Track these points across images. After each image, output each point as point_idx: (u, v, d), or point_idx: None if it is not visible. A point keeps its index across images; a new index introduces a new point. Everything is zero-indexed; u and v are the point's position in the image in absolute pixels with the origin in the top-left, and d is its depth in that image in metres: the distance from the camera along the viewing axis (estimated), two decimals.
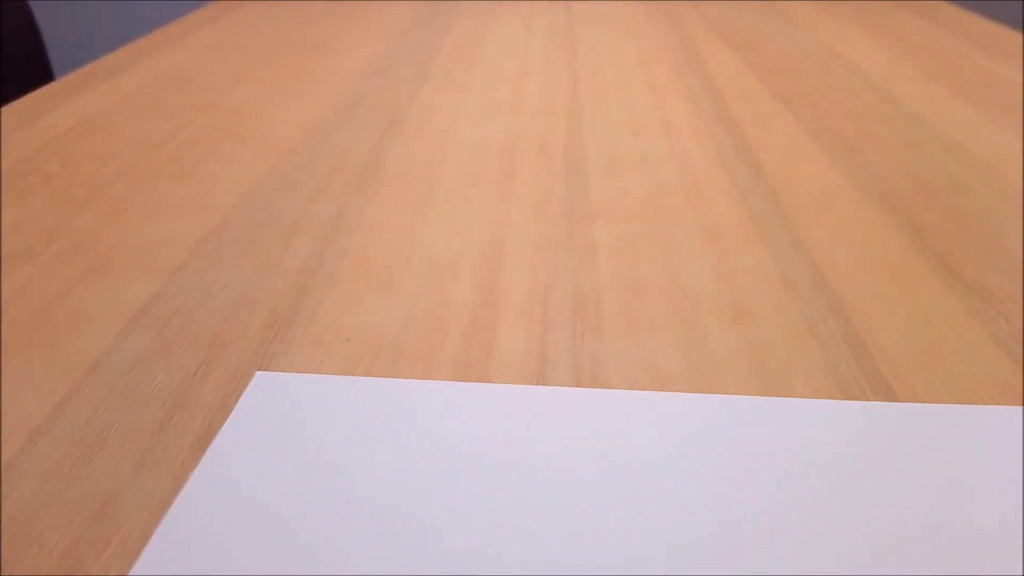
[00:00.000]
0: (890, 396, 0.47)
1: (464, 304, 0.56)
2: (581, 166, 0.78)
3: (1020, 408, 0.45)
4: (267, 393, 0.46)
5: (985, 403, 0.46)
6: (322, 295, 0.57)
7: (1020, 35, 1.21)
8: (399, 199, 0.71)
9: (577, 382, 0.48)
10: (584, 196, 0.71)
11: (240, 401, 0.46)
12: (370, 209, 0.70)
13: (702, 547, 0.37)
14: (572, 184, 0.74)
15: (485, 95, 0.99)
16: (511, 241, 0.64)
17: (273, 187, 0.74)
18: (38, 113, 0.96)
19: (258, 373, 0.48)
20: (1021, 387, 0.47)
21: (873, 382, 0.48)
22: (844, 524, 0.38)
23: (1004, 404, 0.46)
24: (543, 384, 0.48)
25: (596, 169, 0.77)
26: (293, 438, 0.43)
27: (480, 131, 0.87)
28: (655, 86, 1.02)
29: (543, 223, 0.67)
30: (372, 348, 0.51)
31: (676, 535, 0.38)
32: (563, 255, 0.62)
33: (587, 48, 1.21)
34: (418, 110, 0.94)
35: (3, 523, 0.39)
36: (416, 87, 1.03)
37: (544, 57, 1.17)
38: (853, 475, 0.41)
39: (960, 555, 0.37)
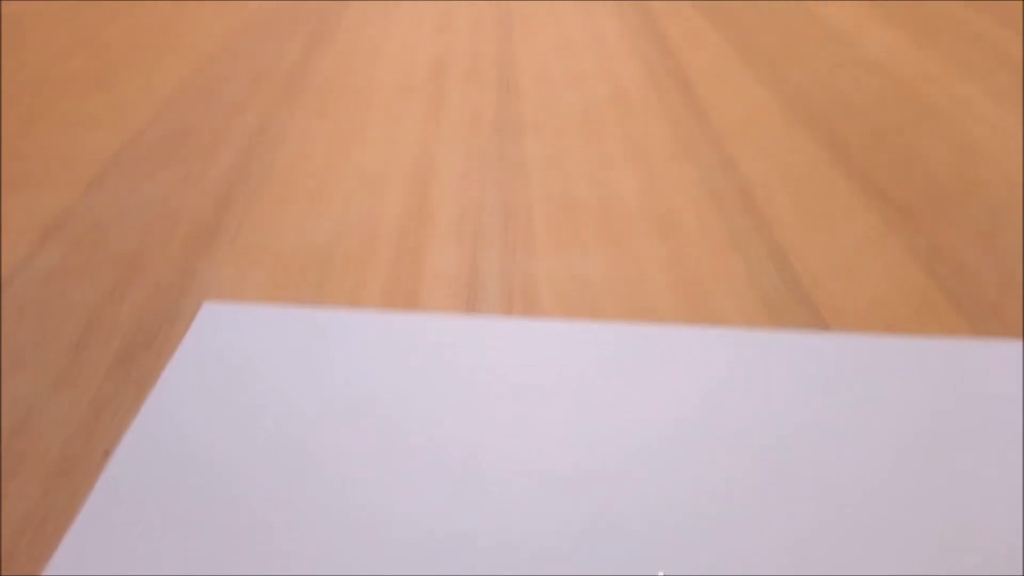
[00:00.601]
0: (811, 308, 0.48)
1: (393, 219, 0.55)
2: (512, 81, 0.77)
3: (944, 339, 0.47)
4: (214, 324, 0.45)
5: (903, 315, 0.47)
6: (247, 209, 0.55)
7: None
8: (326, 112, 0.69)
9: (508, 296, 0.48)
10: (515, 111, 0.70)
11: (188, 333, 0.44)
12: (295, 122, 0.67)
13: (632, 475, 0.38)
14: (503, 99, 0.73)
15: (418, 8, 0.96)
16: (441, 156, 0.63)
17: (193, 98, 0.71)
18: None
19: (205, 304, 0.46)
20: (938, 298, 0.49)
21: (795, 294, 0.49)
22: (769, 451, 0.39)
23: (921, 315, 0.47)
24: (475, 300, 0.48)
25: (527, 85, 0.76)
26: (241, 371, 0.42)
27: (412, 45, 0.85)
28: (587, 5, 1.00)
29: (474, 138, 0.66)
30: (299, 265, 0.50)
31: (608, 463, 0.39)
32: (494, 170, 0.61)
33: None
34: (349, 22, 0.91)
35: None
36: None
37: None
38: (780, 403, 0.42)
39: (878, 478, 0.38)
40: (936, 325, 0.46)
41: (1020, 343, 0.45)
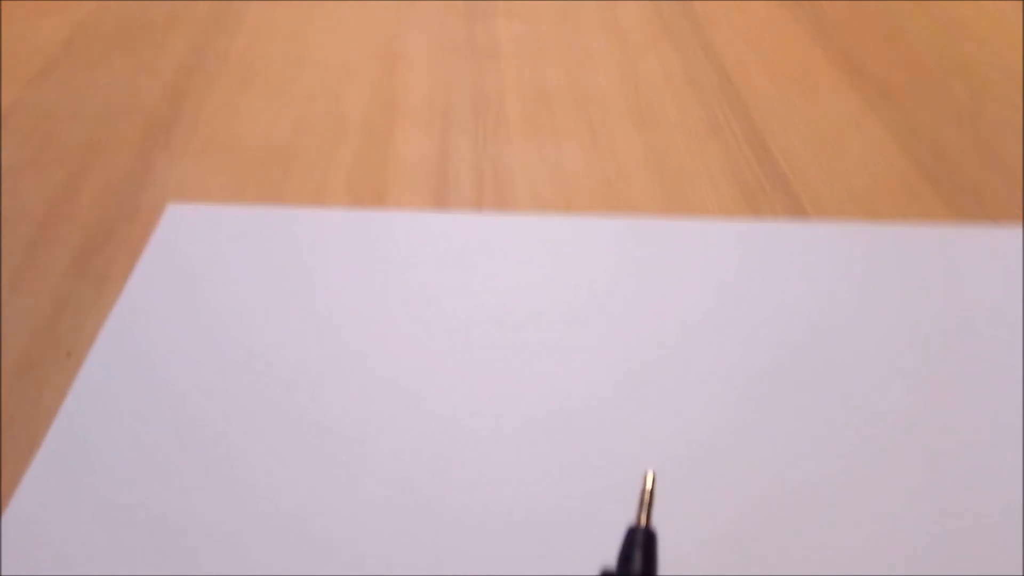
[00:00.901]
0: (790, 194, 0.47)
1: (358, 110, 0.53)
2: None
3: (924, 225, 0.46)
4: (180, 226, 0.43)
5: (882, 198, 0.46)
6: (203, 100, 0.53)
7: None
8: None
9: (479, 189, 0.47)
10: None
11: (154, 235, 0.43)
12: (252, 6, 0.64)
13: (609, 370, 0.38)
14: None
15: None
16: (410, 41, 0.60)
17: None
18: None
19: (169, 205, 0.44)
20: (916, 180, 0.48)
21: (774, 180, 0.48)
22: (752, 342, 0.39)
23: (900, 198, 0.46)
24: (445, 193, 0.46)
25: None
26: (209, 274, 0.41)
27: None
28: None
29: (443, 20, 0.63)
30: (260, 158, 0.48)
31: (585, 359, 0.38)
32: (464, 55, 0.59)
33: None
34: None
35: None
36: None
37: None
38: (761, 293, 0.41)
39: (861, 366, 0.38)
40: (915, 207, 0.46)
41: (999, 228, 0.44)
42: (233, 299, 0.39)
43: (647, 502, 0.26)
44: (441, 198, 0.46)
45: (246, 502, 0.31)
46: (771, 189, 0.47)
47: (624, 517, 0.30)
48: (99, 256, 0.42)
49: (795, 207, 0.46)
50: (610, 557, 0.28)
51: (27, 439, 0.33)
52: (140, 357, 0.37)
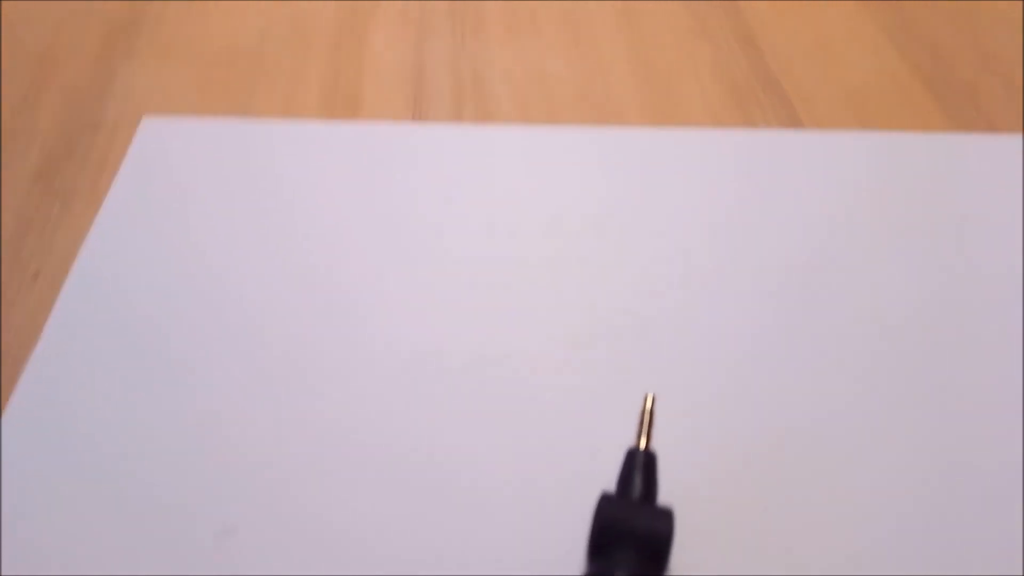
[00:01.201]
0: (781, 97, 0.45)
1: (330, 9, 0.50)
2: None
3: (920, 134, 0.45)
4: (155, 140, 0.41)
5: (876, 101, 0.45)
6: (166, 1, 0.50)
7: None
8: None
9: (458, 97, 0.45)
10: None
11: (130, 150, 0.40)
12: None
13: (599, 283, 0.37)
14: None
15: None
16: None
17: None
18: None
19: (144, 118, 0.42)
20: (912, 83, 0.46)
21: (764, 82, 0.46)
22: (743, 255, 0.38)
23: (895, 102, 0.45)
24: (422, 102, 0.44)
25: None
26: (185, 188, 0.39)
27: None
28: None
29: None
30: (226, 66, 0.46)
31: (575, 275, 0.37)
32: None
33: None
34: None
35: None
36: None
37: None
38: (752, 205, 0.40)
39: (856, 274, 0.37)
40: (910, 111, 0.44)
41: (997, 136, 0.43)
42: (212, 215, 0.38)
43: (647, 424, 0.26)
44: (419, 109, 0.44)
45: (231, 422, 0.30)
46: (762, 92, 0.45)
47: (624, 440, 0.29)
48: (63, 171, 0.40)
49: (787, 111, 0.44)
50: (610, 481, 0.28)
51: None
52: (120, 276, 0.35)
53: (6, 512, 0.27)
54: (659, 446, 0.28)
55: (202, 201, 0.38)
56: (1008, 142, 0.42)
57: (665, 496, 0.27)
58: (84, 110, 0.43)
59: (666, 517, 0.24)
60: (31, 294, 0.35)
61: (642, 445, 0.26)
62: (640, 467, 0.25)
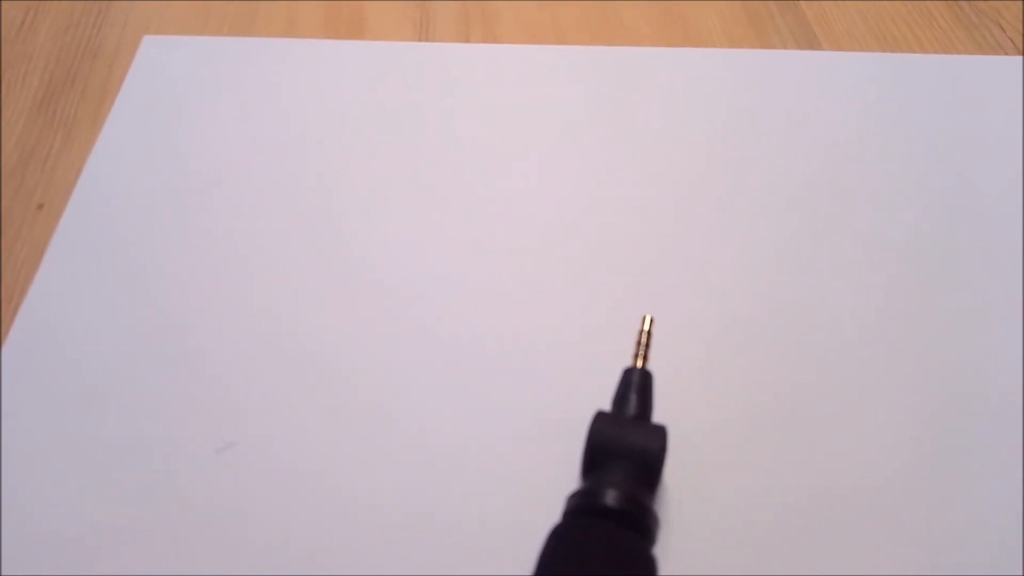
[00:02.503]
0: (797, 14, 0.44)
1: None
2: None
3: (944, 56, 0.43)
4: (157, 59, 0.40)
5: (897, 20, 0.43)
6: None
7: None
8: None
9: (464, 18, 0.43)
10: None
11: (131, 69, 0.40)
12: None
13: (609, 209, 0.36)
14: None
15: None
16: None
17: None
18: None
19: (145, 38, 0.41)
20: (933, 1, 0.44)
21: (780, 3, 0.44)
22: (758, 178, 0.37)
23: (916, 20, 0.43)
24: (428, 24, 0.43)
25: None
26: (188, 108, 0.38)
27: None
28: None
29: None
30: None
31: (582, 199, 0.36)
32: None
33: None
34: None
35: None
36: None
37: None
38: (769, 128, 0.39)
39: (873, 200, 0.36)
40: (932, 34, 0.43)
41: (1019, 58, 0.42)
42: (214, 137, 0.37)
43: (644, 344, 0.25)
44: (424, 30, 0.43)
45: (231, 345, 0.30)
46: (779, 12, 0.44)
47: (620, 360, 0.29)
48: (63, 100, 0.39)
49: (804, 31, 0.43)
50: (605, 399, 0.27)
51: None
52: (121, 201, 0.35)
53: (7, 435, 0.28)
54: (656, 369, 0.28)
55: (204, 122, 0.38)
56: None
57: (660, 416, 0.27)
58: (82, 36, 0.42)
59: (659, 433, 0.23)
60: (35, 226, 0.35)
61: (638, 365, 0.25)
62: (635, 385, 0.25)
